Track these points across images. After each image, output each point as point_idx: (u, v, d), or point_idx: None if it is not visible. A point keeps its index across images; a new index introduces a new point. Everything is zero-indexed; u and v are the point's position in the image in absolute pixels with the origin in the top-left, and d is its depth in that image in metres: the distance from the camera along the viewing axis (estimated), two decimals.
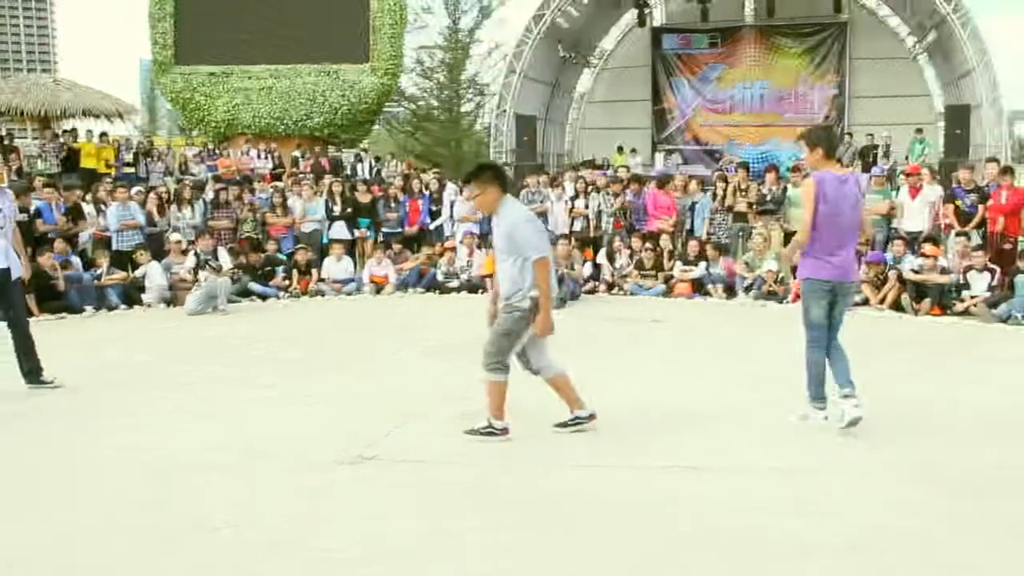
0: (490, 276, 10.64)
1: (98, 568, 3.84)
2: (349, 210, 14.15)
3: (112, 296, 11.57)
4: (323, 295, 12.58)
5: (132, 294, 11.80)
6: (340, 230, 13.99)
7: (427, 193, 14.92)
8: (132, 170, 19.66)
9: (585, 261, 12.91)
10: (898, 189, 13.51)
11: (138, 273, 12.04)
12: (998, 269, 10.76)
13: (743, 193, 13.51)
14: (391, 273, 13.03)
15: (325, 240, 13.93)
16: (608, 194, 13.91)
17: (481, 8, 37.78)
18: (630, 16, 29.27)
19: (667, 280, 12.43)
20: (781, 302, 11.39)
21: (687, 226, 13.79)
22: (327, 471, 4.99)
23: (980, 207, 11.89)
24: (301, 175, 16.80)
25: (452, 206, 14.44)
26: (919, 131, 20.95)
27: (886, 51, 27.29)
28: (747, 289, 11.91)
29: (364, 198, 14.42)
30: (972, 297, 10.51)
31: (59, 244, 11.50)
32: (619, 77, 30.66)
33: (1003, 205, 11.55)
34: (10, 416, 6.28)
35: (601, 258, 13.10)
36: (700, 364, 7.94)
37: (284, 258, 13.17)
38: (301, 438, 5.64)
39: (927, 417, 6.04)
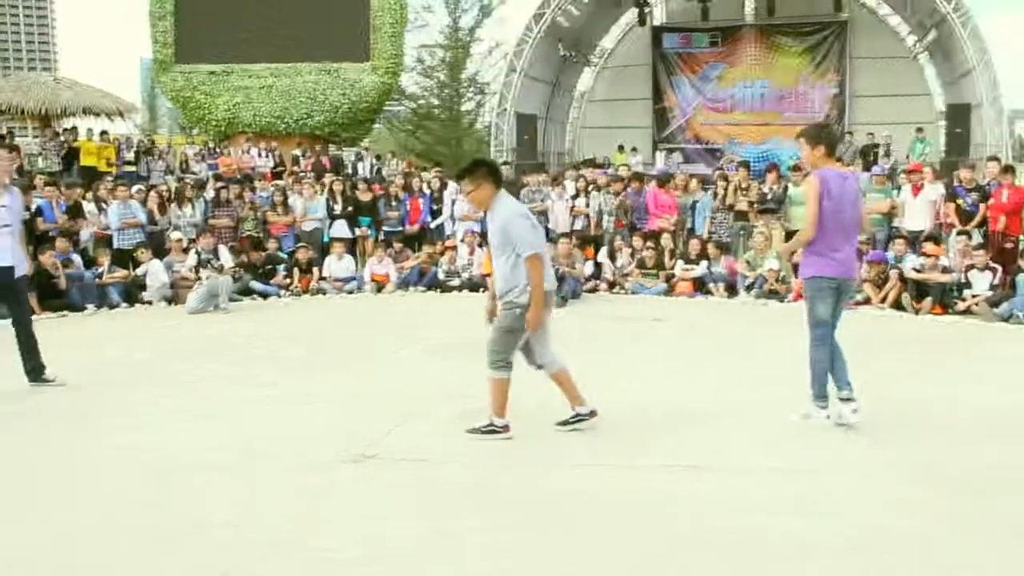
0: (491, 275, 10.63)
1: (98, 568, 3.84)
2: (350, 209, 14.16)
3: (113, 294, 11.57)
4: (324, 293, 12.58)
5: (133, 292, 11.80)
6: (341, 229, 14.00)
7: (428, 192, 14.92)
8: (133, 168, 19.66)
9: (586, 260, 12.90)
10: (899, 188, 13.51)
11: (139, 271, 12.04)
12: (999, 268, 10.76)
13: (744, 192, 13.50)
14: (392, 272, 13.03)
15: (326, 239, 13.94)
16: (609, 193, 13.91)
17: (482, 7, 37.80)
18: (630, 15, 29.27)
19: (668, 279, 12.43)
20: (782, 301, 11.39)
21: (688, 225, 13.80)
22: (327, 471, 4.99)
23: (981, 206, 11.89)
24: (302, 174, 16.81)
25: (453, 205, 14.43)
26: (920, 130, 20.95)
27: (886, 50, 27.29)
28: (748, 288, 11.91)
29: (365, 197, 14.42)
30: (973, 296, 10.51)
31: (60, 242, 11.51)
32: (620, 76, 30.66)
33: (1004, 204, 11.56)
34: (10, 415, 6.28)
35: (602, 257, 13.10)
36: (701, 363, 7.94)
37: (285, 256, 13.18)
38: (301, 437, 5.64)
39: (927, 417, 6.04)
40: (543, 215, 13.75)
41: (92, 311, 11.15)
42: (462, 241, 13.30)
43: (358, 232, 14.26)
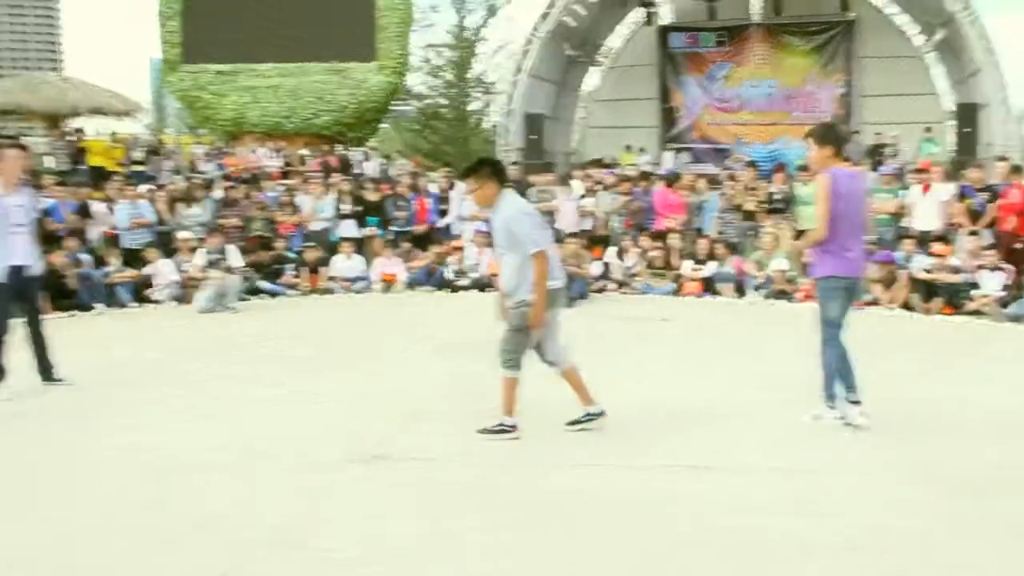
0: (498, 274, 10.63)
1: (98, 568, 3.85)
2: (358, 208, 14.17)
3: (122, 294, 11.61)
4: (332, 293, 12.61)
5: (142, 292, 11.84)
6: (349, 228, 14.02)
7: (435, 192, 14.93)
8: (141, 168, 19.70)
9: (594, 260, 12.90)
10: (907, 188, 13.46)
11: (148, 271, 12.08)
12: (1012, 268, 10.72)
13: (752, 192, 13.49)
14: (400, 271, 13.05)
15: (334, 238, 13.96)
16: (617, 193, 13.90)
17: (488, 6, 37.84)
18: (637, 15, 29.21)
19: (676, 279, 12.42)
20: (791, 301, 11.37)
21: (696, 225, 13.79)
22: (333, 470, 4.99)
23: (990, 206, 11.85)
24: (310, 173, 16.84)
25: (461, 204, 14.43)
26: (928, 130, 20.88)
27: (894, 50, 27.18)
28: (757, 288, 11.90)
29: (373, 196, 14.44)
30: (983, 297, 10.47)
31: (69, 242, 11.54)
32: (626, 76, 30.59)
33: (1014, 204, 11.53)
34: (13, 415, 6.30)
35: (610, 257, 13.09)
36: (709, 363, 7.93)
37: (293, 256, 13.20)
38: (306, 437, 5.65)
39: (936, 417, 6.03)
40: (551, 215, 13.75)
41: (101, 311, 11.19)
42: (470, 241, 13.30)
43: (366, 232, 14.28)
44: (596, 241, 13.61)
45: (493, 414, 5.53)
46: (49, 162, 19.17)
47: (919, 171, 13.16)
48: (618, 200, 13.74)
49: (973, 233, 11.39)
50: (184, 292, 11.83)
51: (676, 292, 12.27)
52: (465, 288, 12.76)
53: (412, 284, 12.94)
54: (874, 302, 10.98)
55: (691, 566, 3.79)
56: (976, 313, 10.36)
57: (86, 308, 11.09)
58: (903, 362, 7.89)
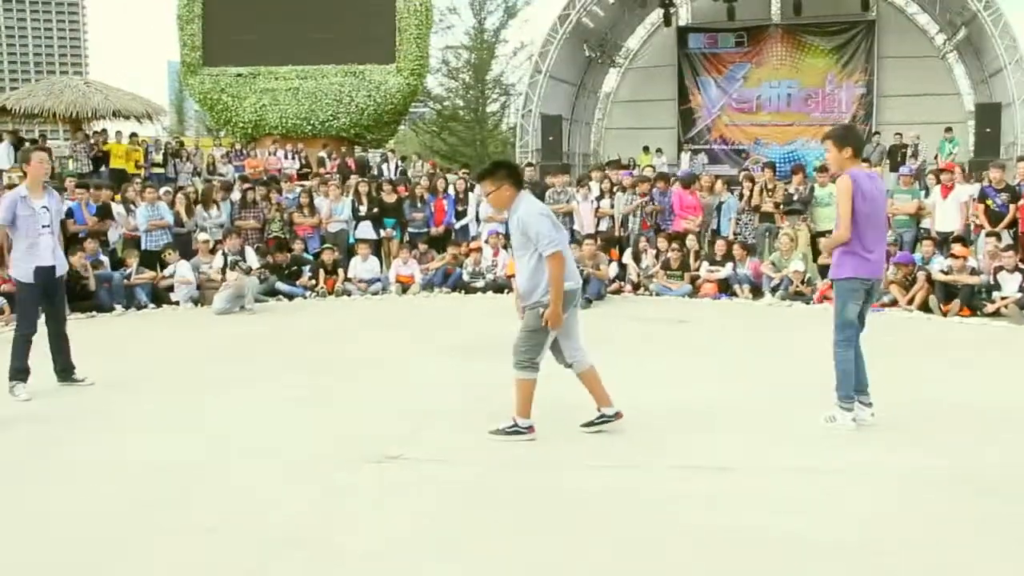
0: (515, 276, 10.62)
1: (98, 568, 3.88)
2: (375, 210, 14.22)
3: (141, 295, 11.71)
4: (349, 295, 12.65)
5: (161, 293, 11.93)
6: (366, 230, 14.07)
7: (453, 193, 14.96)
8: (161, 171, 19.88)
9: (611, 261, 12.88)
10: (927, 189, 13.38)
11: (167, 272, 12.17)
12: None
13: (770, 193, 13.45)
14: (417, 273, 13.09)
15: (351, 240, 14.01)
16: (635, 194, 13.88)
17: (507, 8, 37.87)
18: (656, 15, 29.21)
19: (693, 280, 12.39)
20: (808, 302, 11.32)
21: (713, 226, 13.76)
22: (347, 471, 5.02)
23: (1011, 207, 11.75)
24: (327, 175, 16.91)
25: (478, 206, 14.46)
26: (948, 130, 20.75)
27: (915, 49, 27.04)
28: (774, 290, 11.84)
29: (390, 198, 14.48)
30: (1002, 298, 10.38)
31: (89, 244, 11.65)
32: (645, 77, 30.58)
33: None
34: (33, 415, 6.35)
35: (627, 258, 13.07)
36: (724, 364, 7.90)
37: (311, 258, 13.26)
38: (323, 437, 5.68)
39: (949, 418, 5.98)
40: (568, 216, 13.75)
41: (120, 312, 11.28)
42: (487, 242, 13.32)
43: (383, 233, 14.32)
44: (613, 242, 13.60)
45: (507, 415, 5.54)
46: (71, 164, 19.39)
47: (940, 172, 13.06)
48: (635, 201, 13.71)
49: (993, 234, 11.28)
50: (202, 293, 11.91)
51: (693, 293, 12.24)
52: (482, 290, 12.77)
53: (429, 286, 12.97)
54: (892, 303, 10.91)
55: (691, 566, 3.79)
56: (995, 315, 10.27)
57: (106, 309, 11.18)
58: (920, 364, 7.84)
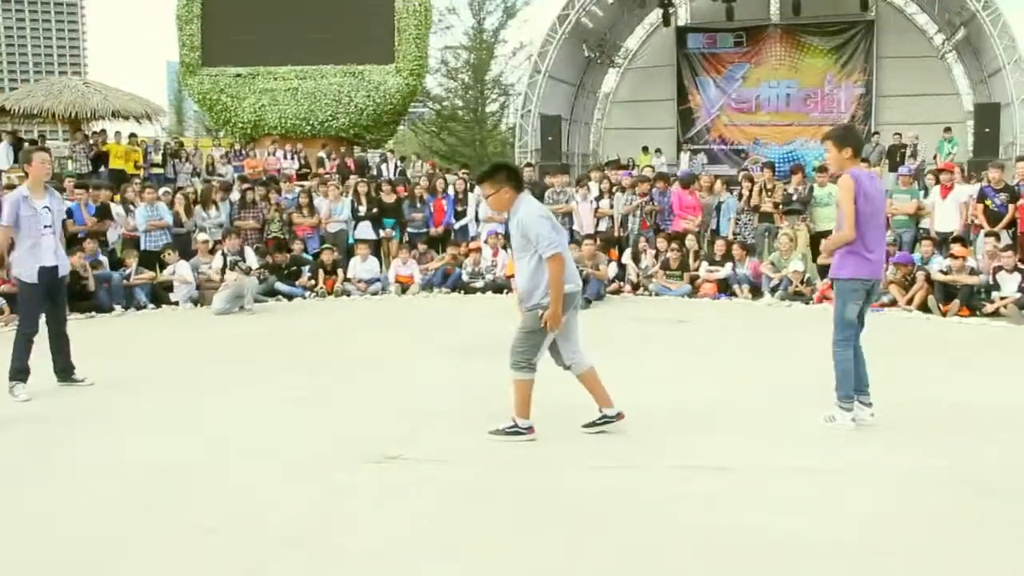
0: (515, 276, 10.62)
1: (98, 568, 3.88)
2: (375, 210, 14.22)
3: (140, 296, 11.70)
4: (348, 295, 12.65)
5: (160, 294, 11.93)
6: (366, 230, 14.07)
7: (452, 193, 14.96)
8: (160, 171, 19.86)
9: (610, 261, 12.88)
10: (926, 189, 13.38)
11: (166, 273, 12.17)
12: None
13: (769, 193, 13.45)
14: (416, 273, 13.09)
15: (351, 240, 14.01)
16: (634, 194, 13.88)
17: (506, 8, 37.88)
18: (655, 16, 29.21)
19: (693, 280, 12.39)
20: (807, 303, 11.33)
21: (713, 226, 13.76)
22: (346, 471, 5.02)
23: (1010, 207, 11.75)
24: (327, 175, 16.91)
25: (477, 206, 14.47)
26: (947, 130, 20.77)
27: (914, 49, 27.06)
28: (773, 290, 11.85)
29: (389, 198, 14.48)
30: (1002, 298, 10.38)
31: (89, 244, 11.65)
32: (644, 77, 30.59)
33: None
34: (32, 415, 6.35)
35: (626, 258, 13.08)
36: (723, 365, 7.90)
37: (310, 258, 13.26)
38: (322, 438, 5.68)
39: (949, 418, 5.99)
40: (567, 217, 13.76)
41: (120, 312, 11.28)
42: (486, 243, 13.32)
43: (383, 234, 14.32)
44: (612, 242, 13.60)
45: (506, 415, 5.54)
46: (70, 165, 19.37)
47: (940, 172, 13.06)
48: (635, 201, 13.72)
49: (992, 234, 11.29)
50: (201, 294, 11.91)
51: (692, 293, 12.24)
52: (481, 290, 12.77)
53: (428, 286, 12.97)
54: (892, 303, 10.91)
55: (691, 566, 3.79)
56: (994, 315, 10.27)
57: (105, 310, 11.18)
58: (919, 364, 7.85)
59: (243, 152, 22.82)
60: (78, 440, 5.76)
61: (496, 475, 4.94)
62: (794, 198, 13.15)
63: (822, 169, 13.05)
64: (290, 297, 12.38)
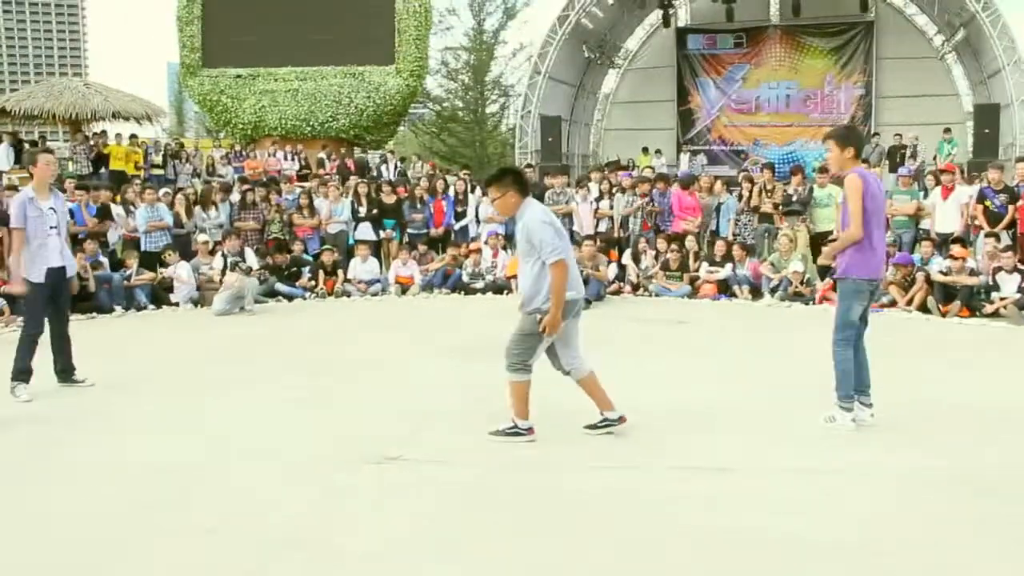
0: (515, 277, 10.64)
1: (98, 569, 3.89)
2: (375, 211, 14.23)
3: (141, 296, 11.71)
4: (349, 296, 12.66)
5: (160, 294, 11.94)
6: (366, 231, 14.08)
7: (452, 194, 14.96)
8: (160, 172, 19.87)
9: (610, 262, 12.89)
10: (926, 190, 13.39)
11: (166, 273, 12.18)
12: None
13: (769, 194, 13.46)
14: (416, 274, 13.09)
15: (351, 241, 14.02)
16: (634, 195, 13.89)
17: (506, 9, 37.88)
18: (655, 16, 29.21)
19: (693, 281, 12.40)
20: (807, 303, 11.33)
21: (712, 227, 13.77)
22: (346, 472, 5.03)
23: (1010, 207, 11.75)
24: (327, 176, 16.92)
25: (477, 207, 14.47)
26: (947, 131, 20.75)
27: (913, 50, 27.05)
28: (773, 290, 11.85)
29: (389, 199, 14.49)
30: (1001, 299, 10.39)
31: (89, 245, 11.66)
32: (644, 78, 30.59)
33: None
34: (33, 416, 6.36)
35: (626, 259, 13.08)
36: (723, 365, 7.91)
37: (310, 259, 13.27)
38: (322, 439, 5.69)
39: (949, 419, 5.99)
40: (567, 217, 13.76)
41: (120, 313, 11.29)
42: (486, 243, 13.33)
43: (383, 234, 14.33)
44: (612, 243, 13.61)
45: (506, 416, 5.55)
46: (71, 166, 19.37)
47: (940, 173, 13.06)
48: (635, 202, 13.72)
49: (991, 235, 11.29)
50: (202, 295, 11.92)
51: (692, 294, 12.24)
52: (482, 291, 12.78)
53: (428, 287, 12.97)
54: (892, 304, 10.92)
55: (691, 566, 3.80)
56: (994, 316, 10.28)
57: (105, 310, 11.18)
58: (919, 364, 7.85)
59: (243, 153, 22.82)
60: (79, 441, 5.77)
61: (496, 476, 4.95)
62: (794, 199, 13.16)
63: (822, 170, 13.06)
64: (290, 298, 12.39)
